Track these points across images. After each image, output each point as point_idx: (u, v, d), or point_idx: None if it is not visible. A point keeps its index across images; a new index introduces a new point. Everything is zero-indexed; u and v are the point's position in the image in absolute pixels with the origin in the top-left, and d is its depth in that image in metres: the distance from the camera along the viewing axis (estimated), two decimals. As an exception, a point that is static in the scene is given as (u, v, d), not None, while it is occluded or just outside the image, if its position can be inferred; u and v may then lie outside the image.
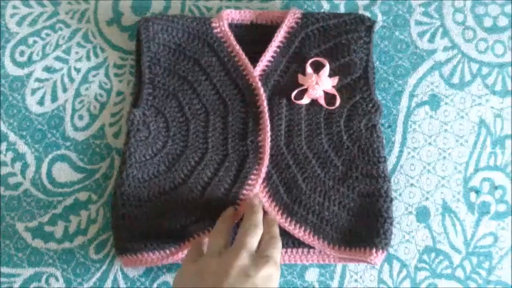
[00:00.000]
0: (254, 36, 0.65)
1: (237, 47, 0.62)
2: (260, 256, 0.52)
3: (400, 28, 0.66)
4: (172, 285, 0.55)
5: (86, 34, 0.67)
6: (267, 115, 0.60)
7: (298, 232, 0.60)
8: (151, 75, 0.63)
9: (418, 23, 0.66)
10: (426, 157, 0.64)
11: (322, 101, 0.62)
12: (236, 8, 0.67)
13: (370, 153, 0.61)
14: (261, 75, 0.62)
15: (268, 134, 0.60)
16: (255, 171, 0.60)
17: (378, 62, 0.65)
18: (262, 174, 0.59)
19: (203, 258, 0.53)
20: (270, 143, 0.60)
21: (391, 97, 0.65)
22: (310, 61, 0.62)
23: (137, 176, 0.60)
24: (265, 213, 0.59)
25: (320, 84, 0.61)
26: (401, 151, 0.64)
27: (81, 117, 0.66)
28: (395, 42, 0.66)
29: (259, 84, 0.61)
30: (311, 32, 0.63)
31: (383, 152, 0.61)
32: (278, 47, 0.63)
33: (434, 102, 0.65)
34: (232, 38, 0.62)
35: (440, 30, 0.66)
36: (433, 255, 0.63)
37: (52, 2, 0.68)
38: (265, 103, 0.61)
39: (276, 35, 0.63)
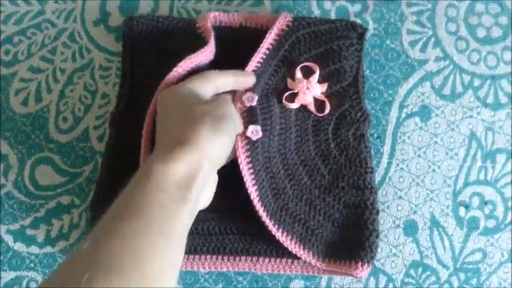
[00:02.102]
0: (243, 39, 0.65)
1: (213, 45, 0.62)
2: None
3: (392, 36, 0.67)
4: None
5: (72, 34, 0.68)
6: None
7: (285, 240, 0.60)
8: (132, 75, 0.65)
9: (410, 31, 0.67)
10: (415, 169, 0.65)
11: (312, 107, 0.63)
12: (225, 11, 0.67)
13: (358, 163, 0.62)
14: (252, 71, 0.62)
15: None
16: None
17: (368, 71, 0.66)
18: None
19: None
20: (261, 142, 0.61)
21: (381, 107, 0.66)
22: (300, 66, 0.63)
23: (116, 177, 0.61)
24: None
25: (311, 90, 0.62)
26: (389, 163, 0.65)
27: (65, 119, 0.67)
28: (387, 51, 0.67)
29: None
30: (302, 36, 0.64)
31: (370, 163, 0.62)
32: (268, 49, 0.63)
33: (424, 113, 0.66)
34: (213, 37, 0.62)
35: (433, 39, 0.67)
36: (420, 270, 0.64)
37: (39, 1, 0.69)
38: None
39: (266, 36, 0.63)
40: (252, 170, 0.60)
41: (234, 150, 0.59)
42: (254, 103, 0.60)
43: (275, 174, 0.61)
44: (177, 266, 0.46)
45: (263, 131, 0.60)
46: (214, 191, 0.57)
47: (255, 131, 0.59)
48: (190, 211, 0.48)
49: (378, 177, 0.65)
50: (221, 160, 0.54)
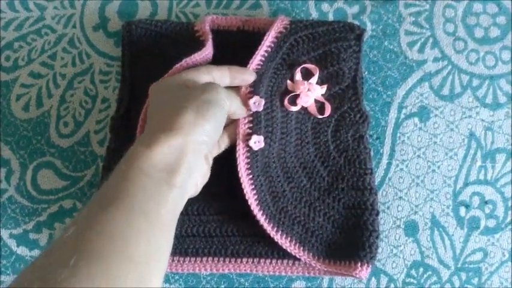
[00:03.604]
0: (241, 43, 0.65)
1: (210, 47, 0.62)
2: None
3: (390, 38, 0.67)
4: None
5: (71, 39, 0.69)
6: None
7: (285, 242, 0.60)
8: (132, 79, 0.65)
9: (408, 32, 0.67)
10: (415, 170, 0.65)
11: (313, 109, 0.62)
12: (224, 14, 0.68)
13: (357, 164, 0.62)
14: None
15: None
16: None
17: (366, 72, 0.66)
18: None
19: None
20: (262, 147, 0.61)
21: (380, 108, 0.66)
22: (299, 68, 0.63)
23: None
24: None
25: (312, 91, 0.62)
26: (389, 163, 0.65)
27: (66, 124, 0.67)
28: (385, 52, 0.67)
29: None
30: (300, 38, 0.63)
31: (370, 164, 0.62)
32: (266, 51, 0.63)
33: (423, 114, 0.66)
34: (210, 39, 0.62)
35: (431, 40, 0.67)
36: (421, 270, 0.64)
37: (38, 7, 0.69)
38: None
39: (264, 39, 0.63)
40: (251, 176, 0.60)
41: (233, 139, 0.60)
42: (261, 108, 0.60)
43: (274, 178, 0.61)
44: (162, 252, 0.46)
45: (265, 138, 0.60)
46: (206, 180, 0.57)
47: (257, 142, 0.60)
48: (175, 197, 0.48)
49: (377, 178, 0.65)
50: (207, 146, 0.52)
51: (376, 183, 0.63)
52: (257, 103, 0.60)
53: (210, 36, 0.62)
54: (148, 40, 0.65)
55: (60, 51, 0.68)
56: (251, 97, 0.60)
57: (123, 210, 0.44)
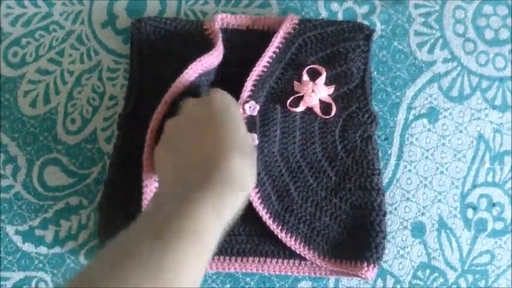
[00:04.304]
0: (250, 42, 0.65)
1: (221, 47, 0.62)
2: None
3: (399, 38, 0.67)
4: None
5: (80, 36, 0.68)
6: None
7: (290, 241, 0.61)
8: (140, 77, 0.65)
9: (418, 33, 0.67)
10: (423, 171, 0.65)
11: (317, 110, 0.62)
12: (233, 13, 0.67)
13: (365, 165, 0.62)
14: (256, 80, 0.62)
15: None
16: None
17: (375, 72, 0.66)
18: None
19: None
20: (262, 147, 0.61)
21: (388, 109, 0.66)
22: (306, 68, 0.62)
23: (124, 178, 0.61)
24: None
25: (316, 92, 0.62)
26: (397, 164, 0.65)
27: (73, 121, 0.67)
28: (394, 52, 0.67)
29: (248, 85, 0.62)
30: (308, 39, 0.64)
31: (378, 164, 0.62)
32: (274, 52, 0.63)
33: (432, 115, 0.66)
34: (220, 39, 0.62)
35: (440, 41, 0.67)
36: (428, 271, 0.64)
37: (46, 3, 0.69)
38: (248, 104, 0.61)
39: (272, 40, 0.63)
40: None
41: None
42: (255, 113, 0.61)
43: (277, 177, 0.62)
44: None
45: (262, 136, 0.61)
46: None
47: (251, 139, 0.60)
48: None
49: (385, 179, 0.65)
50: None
51: (383, 184, 0.63)
52: (252, 108, 0.61)
53: (220, 36, 0.62)
54: (158, 38, 0.65)
55: (68, 48, 0.68)
56: (247, 101, 0.61)
57: (198, 250, 0.43)
